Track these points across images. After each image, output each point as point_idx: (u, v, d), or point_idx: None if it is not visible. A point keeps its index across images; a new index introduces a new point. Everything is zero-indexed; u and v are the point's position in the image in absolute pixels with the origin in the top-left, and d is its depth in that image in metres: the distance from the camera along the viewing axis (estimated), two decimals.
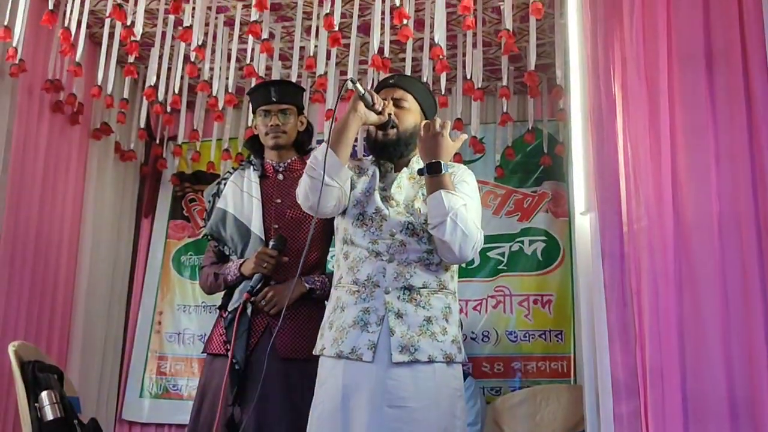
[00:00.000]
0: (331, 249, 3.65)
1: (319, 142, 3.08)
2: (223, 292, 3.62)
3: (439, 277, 2.90)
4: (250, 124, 4.96)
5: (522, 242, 6.17)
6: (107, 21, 5.04)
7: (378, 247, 2.88)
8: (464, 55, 5.22)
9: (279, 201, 3.57)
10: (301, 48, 5.28)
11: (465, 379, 3.92)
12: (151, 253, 6.77)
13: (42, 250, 5.37)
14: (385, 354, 2.76)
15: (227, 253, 3.62)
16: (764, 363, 2.38)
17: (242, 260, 3.51)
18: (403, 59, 5.10)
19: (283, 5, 5.27)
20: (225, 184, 3.68)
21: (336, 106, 2.98)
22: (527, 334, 5.98)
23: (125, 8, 4.55)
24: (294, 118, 3.64)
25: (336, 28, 4.35)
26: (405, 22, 4.16)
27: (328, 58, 5.12)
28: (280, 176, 3.63)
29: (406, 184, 3.01)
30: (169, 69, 5.41)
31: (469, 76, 5.04)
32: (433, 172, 2.82)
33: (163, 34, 5.21)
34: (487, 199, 6.18)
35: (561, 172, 6.10)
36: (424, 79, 4.87)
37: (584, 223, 3.20)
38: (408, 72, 4.89)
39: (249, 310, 3.41)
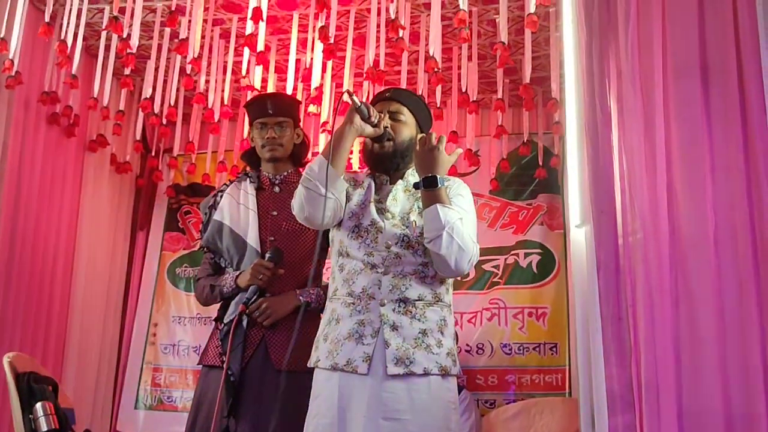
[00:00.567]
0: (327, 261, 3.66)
1: (315, 154, 3.08)
2: (218, 304, 3.62)
3: (434, 289, 2.90)
4: (245, 137, 4.97)
5: (517, 255, 6.18)
6: (104, 33, 5.06)
7: (373, 260, 2.88)
8: (459, 68, 5.24)
9: (275, 213, 3.58)
10: (297, 60, 5.29)
11: (460, 391, 3.92)
12: (147, 264, 6.78)
13: (38, 262, 5.37)
14: (380, 366, 2.75)
15: (223, 265, 3.62)
16: (761, 378, 2.37)
17: (238, 272, 3.51)
18: (399, 72, 5.12)
19: (278, 18, 5.28)
20: (221, 196, 3.68)
21: (333, 118, 2.98)
22: (522, 347, 5.99)
23: (121, 21, 4.56)
24: (290, 130, 3.64)
25: (331, 41, 4.36)
26: (400, 34, 4.17)
27: (323, 70, 5.13)
28: (277, 188, 3.63)
29: (401, 196, 3.02)
30: (165, 81, 5.43)
31: (464, 89, 5.06)
32: (429, 186, 2.82)
33: (159, 46, 5.23)
34: (482, 212, 6.19)
35: (556, 184, 6.11)
36: (420, 92, 4.89)
37: (579, 236, 3.19)
38: (403, 85, 4.90)
39: (245, 322, 3.41)
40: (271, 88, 5.51)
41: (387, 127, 2.99)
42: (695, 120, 2.68)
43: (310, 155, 3.97)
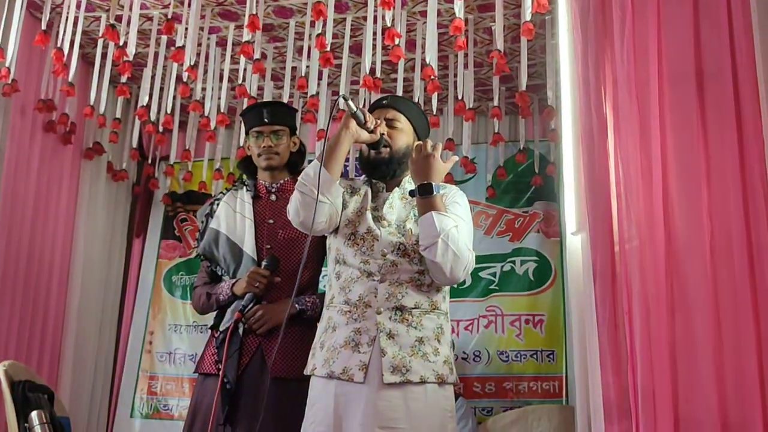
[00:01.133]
0: (323, 269, 3.66)
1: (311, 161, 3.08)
2: (215, 312, 3.61)
3: (431, 297, 2.89)
4: (242, 144, 4.98)
5: (513, 262, 6.18)
6: (100, 41, 5.06)
7: (370, 267, 2.88)
8: (456, 75, 5.24)
9: (272, 221, 3.57)
10: (293, 68, 5.30)
11: (456, 399, 3.91)
12: (143, 272, 6.77)
13: (33, 270, 5.36)
14: (376, 375, 2.75)
15: (220, 274, 3.62)
16: (756, 385, 2.37)
17: (234, 280, 3.51)
18: (395, 79, 5.12)
19: (275, 26, 5.28)
20: (218, 205, 3.68)
21: (328, 125, 2.98)
22: (519, 354, 5.98)
23: (118, 29, 4.55)
24: (286, 139, 3.64)
25: (328, 49, 4.36)
26: (397, 42, 4.18)
27: (319, 78, 5.14)
28: (273, 197, 3.63)
29: (398, 204, 3.01)
30: (161, 89, 5.43)
31: (460, 97, 5.06)
32: (424, 193, 2.82)
33: (156, 54, 5.22)
34: (479, 219, 6.19)
35: (552, 192, 6.12)
36: (416, 99, 4.89)
37: (576, 243, 3.20)
38: (399, 92, 4.91)
39: (240, 330, 3.40)
40: (267, 96, 5.51)
41: (383, 133, 2.99)
42: (691, 127, 2.68)
43: (306, 163, 3.97)
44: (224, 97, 5.37)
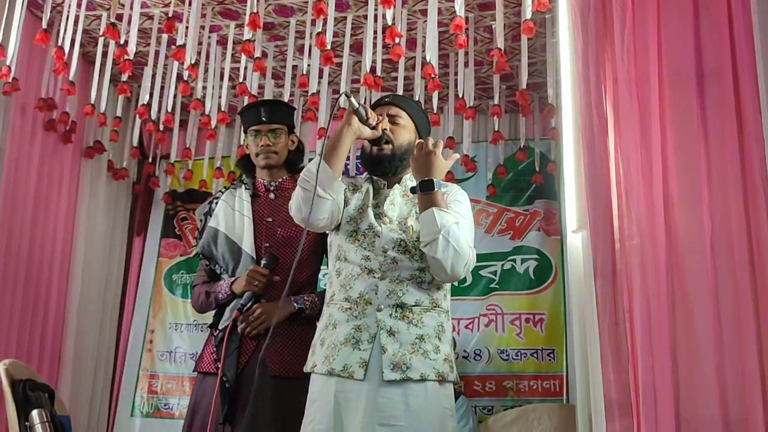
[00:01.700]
0: (323, 268, 3.66)
1: (311, 160, 3.08)
2: (214, 311, 3.61)
3: (431, 295, 2.89)
4: (242, 143, 4.98)
5: (514, 261, 6.18)
6: (101, 40, 5.06)
7: (370, 264, 2.88)
8: (456, 74, 5.25)
9: (270, 220, 3.57)
10: (294, 67, 5.30)
11: (457, 398, 3.92)
12: (143, 271, 6.77)
13: (34, 268, 5.36)
14: (376, 372, 2.74)
15: (218, 272, 3.61)
16: (757, 383, 2.37)
17: (233, 278, 3.50)
18: (395, 78, 5.12)
19: (275, 24, 5.29)
20: (216, 203, 3.68)
21: (329, 124, 2.98)
22: (519, 353, 5.99)
23: (119, 27, 4.56)
24: (284, 137, 3.64)
25: (328, 47, 4.36)
26: (397, 41, 4.18)
27: (320, 76, 5.14)
28: (272, 195, 3.63)
29: (399, 201, 3.01)
30: (162, 88, 5.43)
31: (461, 95, 5.07)
32: (425, 189, 2.82)
33: (157, 53, 5.23)
34: (479, 218, 6.19)
35: (553, 190, 6.12)
36: (416, 98, 4.89)
37: (576, 242, 3.20)
38: (400, 91, 4.91)
39: (239, 329, 3.40)
40: (268, 95, 5.51)
41: (385, 129, 2.99)
42: (691, 126, 2.69)
43: (306, 161, 3.97)
44: (225, 96, 5.37)
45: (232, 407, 3.31)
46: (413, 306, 2.83)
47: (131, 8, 4.65)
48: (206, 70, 5.34)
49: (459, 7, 4.08)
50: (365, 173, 3.19)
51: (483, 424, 5.59)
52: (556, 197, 6.07)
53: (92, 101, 5.23)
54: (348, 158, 4.31)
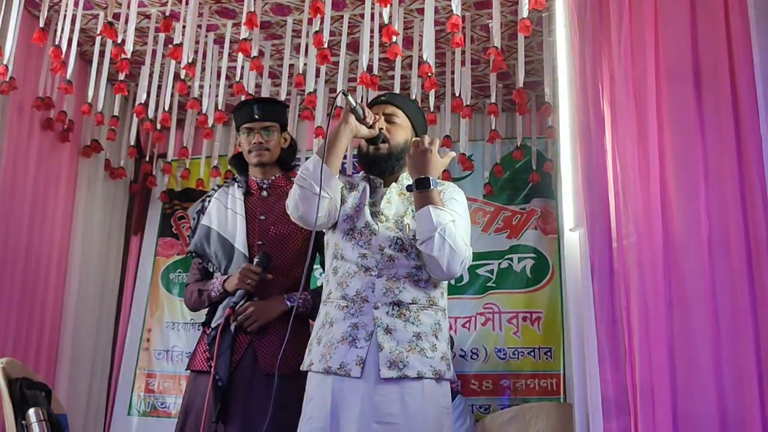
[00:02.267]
0: (316, 267, 3.66)
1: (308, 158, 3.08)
2: (207, 309, 3.61)
3: (428, 293, 2.89)
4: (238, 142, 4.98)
5: (511, 259, 6.17)
6: (98, 39, 5.05)
7: (367, 262, 2.88)
8: (453, 72, 5.24)
9: (263, 217, 3.57)
10: (291, 66, 5.29)
11: (454, 397, 3.91)
12: (140, 270, 6.75)
13: (31, 267, 5.35)
14: (373, 370, 2.75)
15: (211, 270, 3.61)
16: (755, 381, 2.38)
17: (226, 276, 3.50)
18: (392, 77, 5.12)
19: (272, 23, 5.28)
20: (209, 201, 3.67)
21: (328, 123, 2.98)
22: (516, 352, 5.98)
23: (116, 26, 4.55)
24: (277, 135, 3.64)
25: (325, 46, 4.36)
26: (394, 39, 4.18)
27: (317, 75, 5.13)
28: (265, 193, 3.63)
29: (396, 199, 3.02)
30: (159, 87, 5.42)
31: (457, 94, 5.06)
32: (421, 187, 2.83)
33: (154, 52, 5.22)
34: (476, 217, 6.19)
35: (550, 189, 6.11)
36: (413, 97, 4.90)
37: (573, 240, 3.20)
38: (397, 89, 4.90)
39: (232, 327, 3.40)
40: (265, 94, 5.51)
41: (382, 129, 3.00)
42: (688, 124, 2.69)
43: (303, 159, 3.97)
44: (222, 95, 5.36)
45: (225, 406, 3.31)
46: (410, 304, 2.84)
47: (128, 7, 4.63)
48: (203, 69, 5.34)
49: (456, 5, 4.08)
50: (362, 172, 3.20)
51: (480, 423, 5.59)
52: (553, 196, 6.07)
53: (89, 100, 5.22)
54: (345, 157, 4.31)
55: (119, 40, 4.63)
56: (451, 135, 5.62)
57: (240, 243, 3.52)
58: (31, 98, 5.30)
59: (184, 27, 4.67)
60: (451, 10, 4.10)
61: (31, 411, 3.89)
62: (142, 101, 5.24)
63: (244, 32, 4.51)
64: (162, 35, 5.11)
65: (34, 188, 5.39)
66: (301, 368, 3.00)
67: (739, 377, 2.42)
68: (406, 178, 3.06)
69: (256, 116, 3.59)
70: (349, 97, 2.87)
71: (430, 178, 2.83)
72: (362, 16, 4.61)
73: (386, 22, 4.16)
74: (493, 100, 5.31)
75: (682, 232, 2.62)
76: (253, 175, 3.67)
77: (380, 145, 3.02)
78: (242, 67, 5.07)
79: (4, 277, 5.04)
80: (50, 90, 5.39)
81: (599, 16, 3.11)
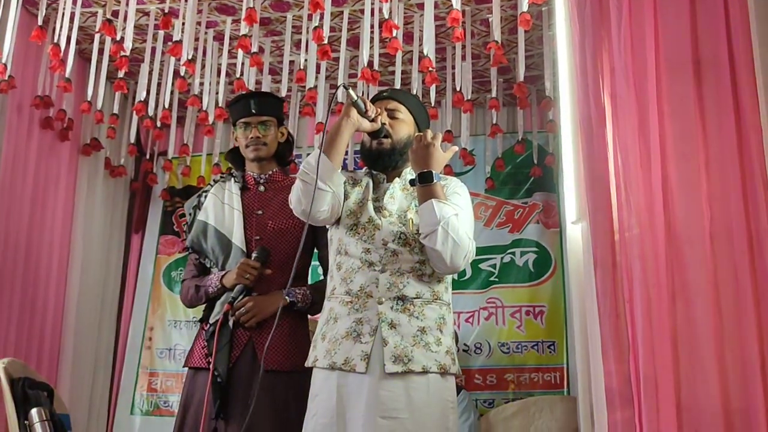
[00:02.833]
0: (314, 263, 3.66)
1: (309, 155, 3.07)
2: (204, 305, 3.60)
3: (432, 287, 2.89)
4: None
5: (513, 254, 6.18)
6: (97, 36, 5.05)
7: (371, 257, 2.87)
8: (453, 67, 5.24)
9: (260, 212, 3.55)
10: (291, 62, 5.29)
11: (458, 392, 3.90)
12: (142, 268, 6.76)
13: (32, 267, 5.35)
14: (378, 365, 2.74)
15: (208, 266, 3.58)
16: (758, 372, 2.37)
17: (224, 272, 3.49)
18: (393, 72, 5.12)
19: (272, 20, 5.28)
20: (205, 197, 3.65)
21: (327, 118, 2.98)
22: (520, 346, 5.98)
23: (115, 24, 4.55)
24: (274, 129, 3.62)
25: (325, 42, 4.36)
26: (394, 34, 4.17)
27: (317, 71, 5.13)
28: (261, 188, 3.61)
29: (399, 194, 3.01)
30: (158, 84, 5.42)
31: (458, 88, 5.06)
32: (424, 181, 2.82)
33: (153, 49, 5.22)
34: (478, 211, 6.19)
35: (551, 182, 6.12)
36: (414, 92, 4.89)
37: (576, 233, 3.20)
38: (397, 84, 4.90)
39: (230, 322, 3.38)
40: (265, 90, 5.50)
41: (384, 123, 2.99)
42: (689, 115, 2.68)
43: (304, 156, 3.96)
44: (222, 92, 5.36)
45: (225, 402, 3.29)
46: (414, 298, 2.83)
47: (127, 4, 4.63)
48: (203, 66, 5.34)
49: (455, 0, 4.08)
50: (365, 168, 3.19)
51: (484, 417, 5.59)
52: (554, 189, 6.08)
53: (89, 98, 5.22)
54: (346, 153, 4.31)
55: (118, 38, 4.63)
56: (452, 130, 5.62)
57: (237, 238, 3.50)
58: (30, 97, 5.30)
59: (183, 24, 4.67)
60: (451, 5, 4.11)
61: (34, 411, 3.89)
62: (142, 99, 5.24)
63: (243, 28, 4.51)
64: (161, 32, 5.10)
65: (34, 188, 5.39)
66: (305, 364, 2.99)
67: (742, 367, 2.42)
68: (409, 173, 3.05)
69: (253, 111, 3.57)
70: (351, 91, 2.87)
71: (433, 172, 2.82)
72: (362, 11, 4.61)
73: (386, 17, 4.16)
74: (493, 94, 5.31)
75: (683, 223, 2.61)
76: (250, 170, 3.66)
77: (383, 140, 3.02)
78: (242, 64, 5.07)
79: (5, 277, 5.04)
80: (49, 88, 5.39)
81: (599, 9, 3.11)
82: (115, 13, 4.65)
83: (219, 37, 5.38)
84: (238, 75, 5.02)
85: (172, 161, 6.37)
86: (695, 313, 2.52)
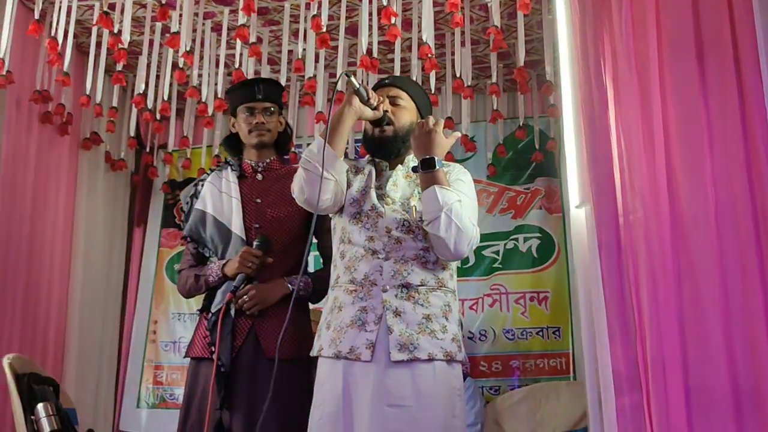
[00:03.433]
0: (314, 253, 3.64)
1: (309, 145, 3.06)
2: (203, 295, 3.58)
3: (437, 275, 2.88)
4: None
5: (516, 240, 6.16)
6: (94, 29, 5.03)
7: (374, 245, 2.87)
8: (453, 53, 5.21)
9: (259, 201, 3.54)
10: (290, 51, 5.27)
11: (464, 380, 3.90)
12: (144, 262, 6.75)
13: (34, 262, 5.35)
14: (383, 353, 2.74)
15: (207, 255, 3.58)
16: (766, 351, 2.36)
17: (225, 261, 3.48)
18: (392, 60, 5.09)
19: (270, 9, 5.26)
20: (202, 186, 3.64)
21: (330, 108, 2.96)
22: (525, 332, 5.97)
23: (112, 16, 4.53)
24: (276, 117, 3.62)
25: (324, 30, 4.34)
26: (393, 20, 4.15)
27: (316, 60, 5.11)
28: (259, 176, 3.60)
29: (402, 182, 3.01)
30: (157, 76, 5.40)
31: (458, 75, 5.03)
32: (427, 167, 2.81)
33: (151, 41, 5.20)
34: (481, 198, 6.16)
35: (553, 168, 6.10)
36: (414, 79, 4.86)
37: (580, 217, 3.18)
38: (397, 72, 4.88)
39: (232, 311, 3.37)
40: None
41: (387, 111, 2.98)
42: (692, 96, 2.67)
43: (304, 146, 3.95)
44: (221, 83, 5.34)
45: (229, 391, 3.28)
46: (419, 286, 2.83)
47: None
48: (201, 57, 5.32)
49: None
50: (367, 156, 3.18)
51: (490, 404, 5.59)
52: (556, 174, 6.06)
53: (87, 92, 5.20)
54: (347, 142, 4.30)
55: (116, 30, 4.61)
56: (452, 116, 5.60)
57: (236, 227, 3.49)
58: (29, 92, 5.28)
59: (180, 15, 4.65)
60: None
61: (40, 406, 3.90)
62: (141, 91, 5.22)
63: (241, 18, 4.49)
64: (159, 24, 5.08)
65: (35, 183, 5.37)
66: (311, 353, 2.99)
67: (750, 347, 2.41)
68: (411, 161, 3.05)
69: (259, 96, 3.56)
70: (352, 78, 2.86)
71: (435, 158, 2.81)
72: None
73: (385, 3, 4.14)
74: (494, 80, 5.28)
75: (688, 205, 2.60)
76: (248, 158, 3.64)
77: (385, 128, 3.01)
78: (241, 54, 5.05)
79: (7, 273, 5.03)
80: (48, 83, 5.37)
81: None
82: (112, 6, 4.63)
83: (217, 28, 5.35)
84: (236, 65, 5.00)
85: (173, 154, 6.35)
86: (702, 294, 2.51)
